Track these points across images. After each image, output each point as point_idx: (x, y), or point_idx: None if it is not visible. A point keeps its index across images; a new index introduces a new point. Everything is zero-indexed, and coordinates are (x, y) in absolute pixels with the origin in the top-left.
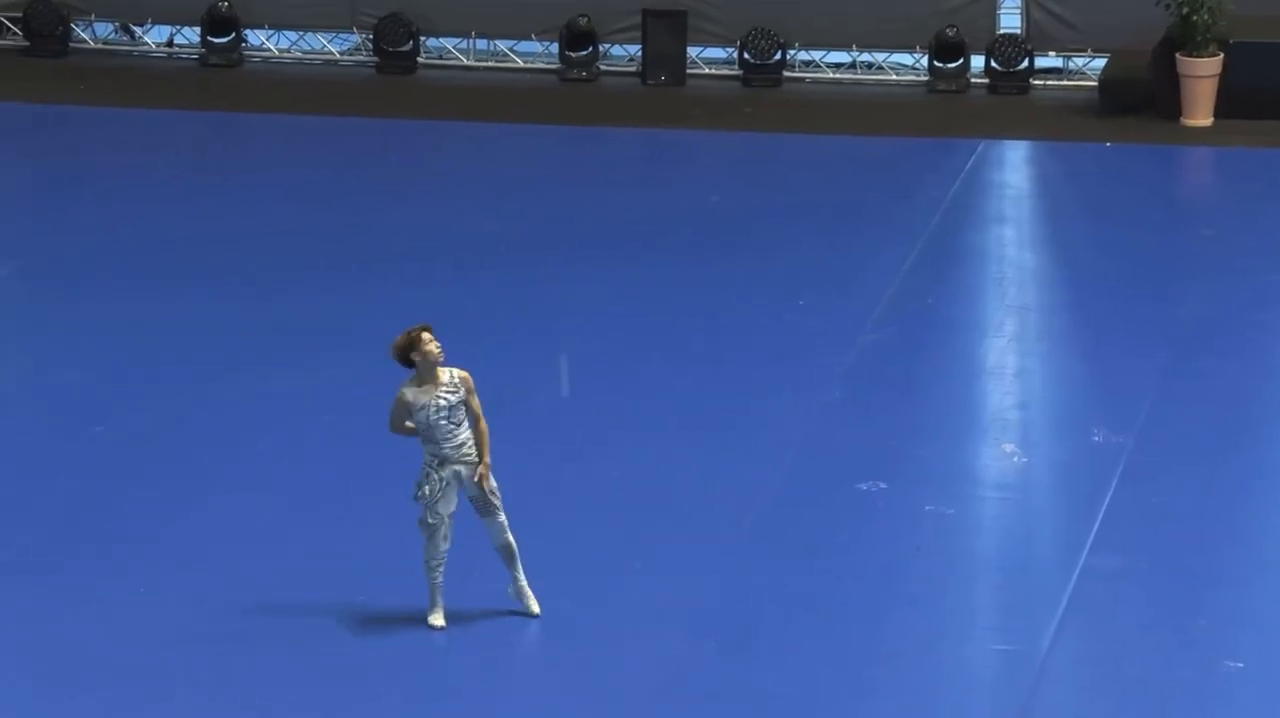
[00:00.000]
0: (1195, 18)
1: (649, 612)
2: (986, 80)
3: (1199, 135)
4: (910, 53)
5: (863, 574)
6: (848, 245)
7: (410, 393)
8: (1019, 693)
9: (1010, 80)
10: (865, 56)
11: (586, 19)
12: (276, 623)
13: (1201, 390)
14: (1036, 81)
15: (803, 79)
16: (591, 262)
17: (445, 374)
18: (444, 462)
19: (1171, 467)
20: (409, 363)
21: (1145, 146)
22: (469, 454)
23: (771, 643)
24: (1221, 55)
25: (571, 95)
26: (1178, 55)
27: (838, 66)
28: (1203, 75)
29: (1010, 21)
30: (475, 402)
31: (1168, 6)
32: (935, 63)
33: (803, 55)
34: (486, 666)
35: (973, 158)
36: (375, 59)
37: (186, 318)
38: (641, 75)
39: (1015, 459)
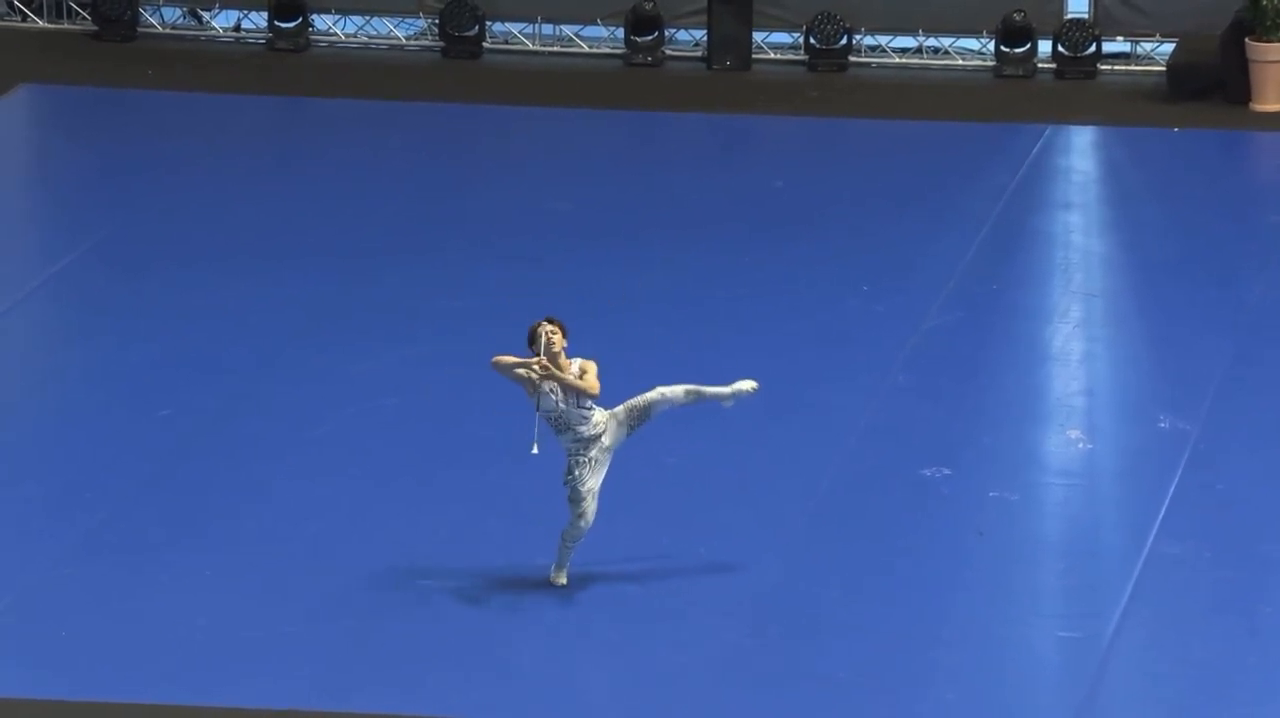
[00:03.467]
0: (1265, 2)
1: (713, 594)
2: (1054, 65)
3: (1268, 120)
4: (977, 37)
5: (926, 559)
6: (913, 230)
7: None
8: (1083, 679)
9: (1077, 65)
10: (931, 41)
11: (652, 3)
12: (346, 601)
13: (1268, 378)
14: (1104, 66)
15: (869, 64)
16: (658, 246)
17: (573, 365)
18: (586, 445)
19: (1237, 454)
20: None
21: (1213, 132)
22: (601, 429)
23: (835, 627)
24: None
25: (637, 80)
26: (1247, 40)
27: (904, 51)
28: (1273, 60)
29: (1078, 6)
30: (588, 376)
31: None
32: (1002, 47)
33: (869, 40)
34: (550, 646)
35: (1039, 143)
36: (441, 44)
37: (255, 302)
38: (707, 60)
39: (1080, 445)
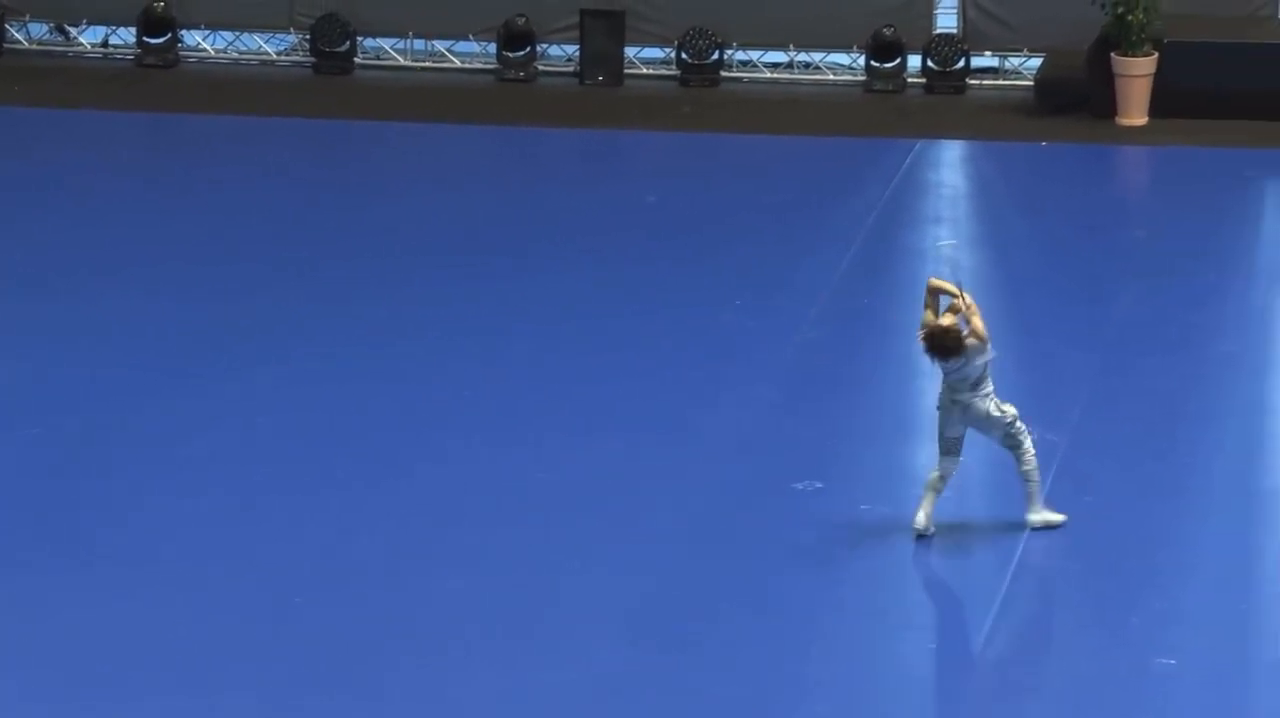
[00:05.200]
0: (1130, 17)
1: (585, 611)
2: (923, 80)
3: (1134, 135)
4: (847, 52)
5: (798, 573)
6: (784, 245)
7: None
8: (954, 693)
9: (947, 80)
10: (803, 56)
11: (524, 19)
12: (213, 619)
13: (1135, 390)
14: (973, 81)
15: (740, 79)
16: (529, 262)
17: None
18: (954, 391)
19: (1105, 465)
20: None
21: (1080, 146)
22: (973, 396)
23: (709, 643)
24: (1156, 55)
25: (509, 95)
26: (1112, 55)
27: (775, 66)
28: (1137, 75)
29: (947, 21)
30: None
31: (1103, 6)
32: (872, 62)
33: (740, 55)
34: (422, 665)
35: (909, 157)
36: (312, 59)
37: (126, 320)
38: (579, 75)
39: None
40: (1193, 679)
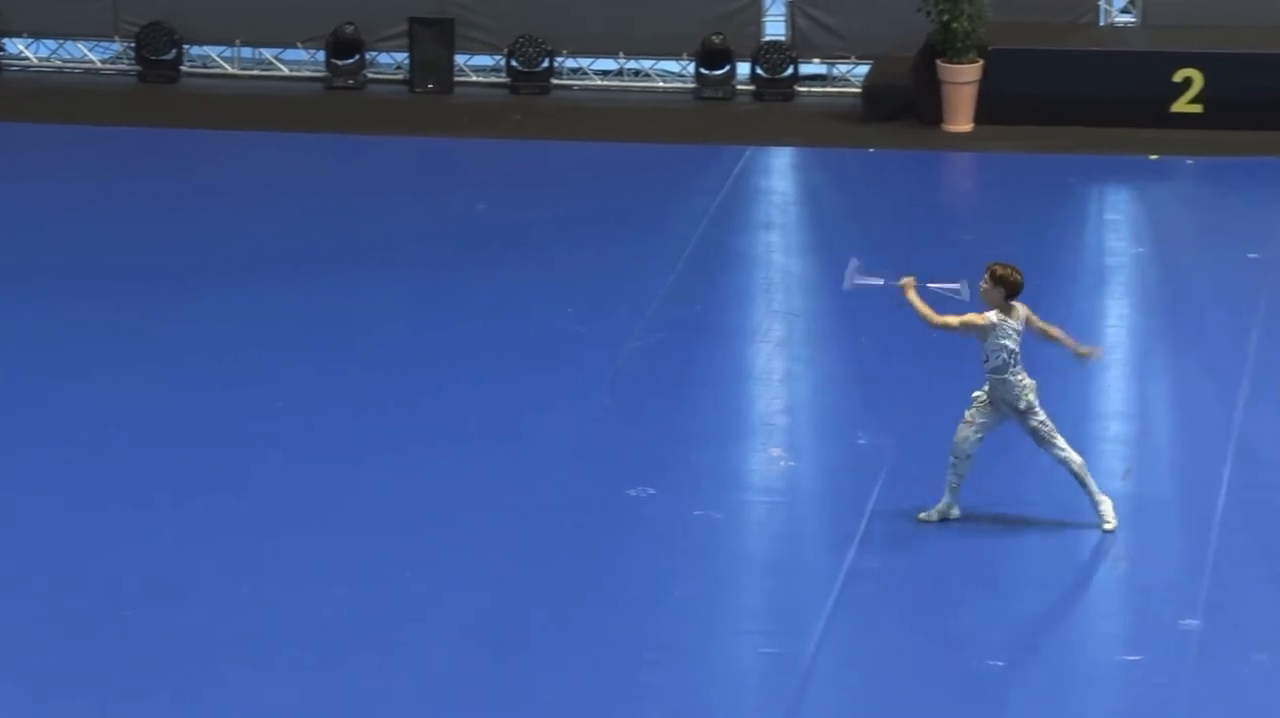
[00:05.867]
0: (955, 25)
1: (421, 618)
2: (752, 87)
3: (960, 141)
4: (677, 60)
5: (632, 579)
6: (616, 252)
7: (990, 316)
8: (786, 696)
9: (776, 87)
10: (632, 64)
11: (353, 27)
12: (46, 628)
13: (962, 393)
14: (801, 88)
15: (571, 86)
16: (359, 272)
17: (1020, 309)
18: (993, 388)
19: (935, 468)
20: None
21: (908, 152)
22: (1013, 393)
23: (542, 649)
24: (981, 61)
25: (338, 103)
26: (938, 62)
27: (605, 74)
28: (963, 81)
29: (775, 29)
30: (1040, 323)
31: (929, 14)
32: (701, 70)
33: (570, 63)
34: (252, 675)
35: (739, 164)
36: (138, 68)
37: None
38: (409, 83)
39: (782, 463)
40: (1020, 680)
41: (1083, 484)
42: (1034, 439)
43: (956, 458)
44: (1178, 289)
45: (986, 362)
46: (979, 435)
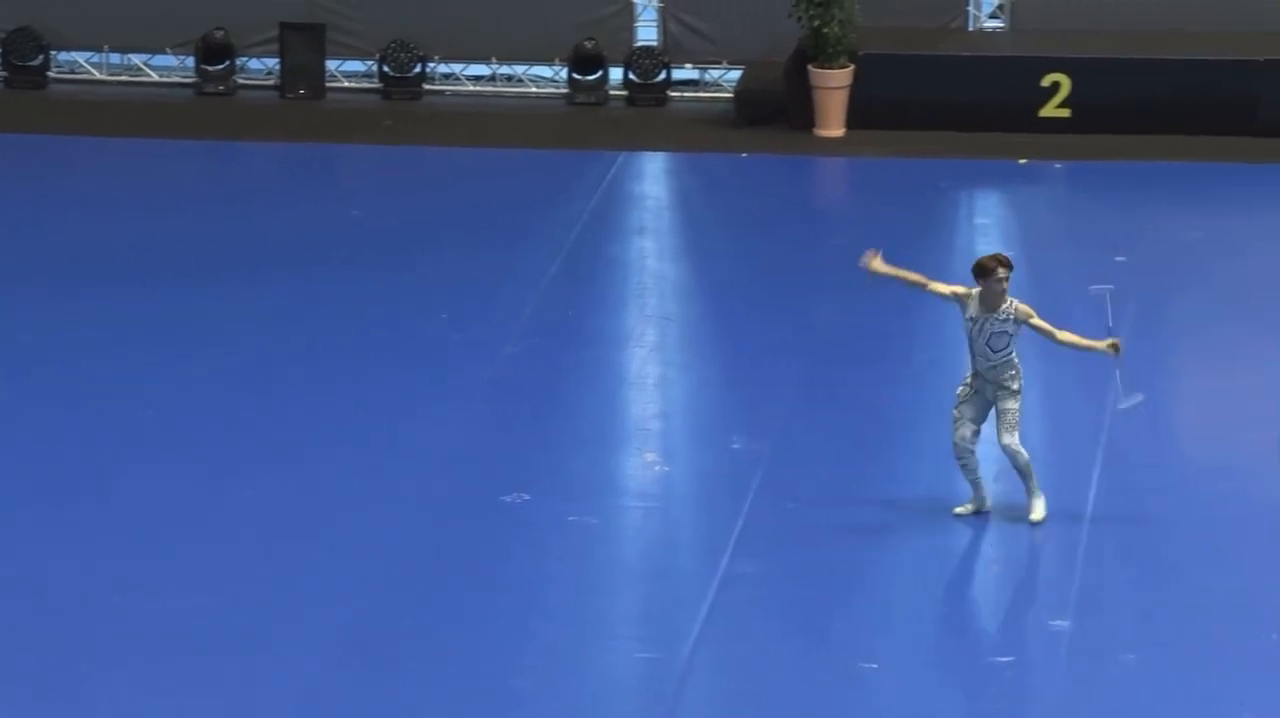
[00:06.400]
0: (826, 30)
1: (294, 627)
2: (625, 92)
3: (831, 146)
4: (549, 65)
5: (507, 586)
6: (489, 258)
7: (973, 299)
8: (661, 701)
9: (648, 92)
10: (505, 69)
11: (223, 32)
12: None
13: (836, 398)
14: (674, 93)
15: (443, 92)
16: (231, 278)
17: (1006, 303)
18: (977, 375)
19: (809, 472)
20: (981, 277)
21: (780, 157)
22: (1002, 380)
23: (417, 656)
24: (852, 67)
25: (209, 109)
26: (810, 67)
27: (478, 79)
28: (834, 87)
29: (647, 34)
30: (1047, 326)
31: (800, 19)
32: (574, 75)
33: (443, 68)
34: (124, 681)
35: (612, 169)
36: (4, 74)
37: None
38: (280, 89)
39: (657, 468)
40: (894, 682)
41: (1027, 478)
42: (1002, 422)
43: (961, 458)
44: (1047, 292)
45: (1003, 348)
46: (973, 429)
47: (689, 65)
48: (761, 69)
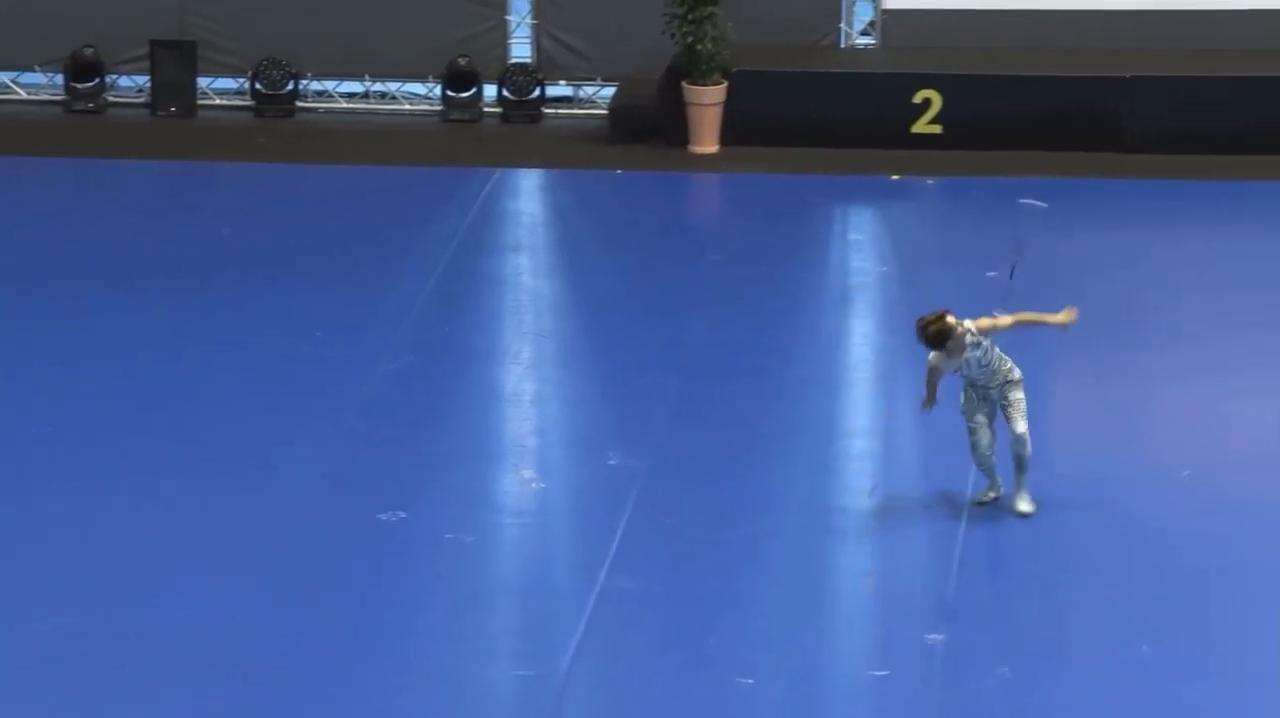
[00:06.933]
0: (700, 47)
1: (168, 647)
2: (499, 109)
3: (705, 162)
4: (423, 82)
5: (384, 604)
6: (365, 275)
7: (940, 360)
8: (540, 717)
9: (523, 109)
10: (378, 86)
11: (92, 49)
12: None
13: (712, 413)
14: (548, 110)
15: (316, 109)
16: (104, 296)
17: (965, 336)
18: (973, 383)
19: (685, 488)
20: (939, 347)
21: (654, 174)
22: (996, 380)
23: (294, 677)
24: (725, 83)
25: (78, 127)
26: (684, 84)
27: (351, 96)
28: (708, 103)
29: (521, 51)
30: (1003, 322)
31: (673, 36)
32: (448, 92)
33: (315, 85)
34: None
35: (488, 186)
36: None
37: None
38: (151, 106)
39: (533, 485)
40: (771, 697)
41: (1024, 471)
42: (1016, 410)
43: (984, 463)
44: (920, 307)
45: (991, 360)
46: (990, 433)
47: (563, 82)
48: (635, 86)
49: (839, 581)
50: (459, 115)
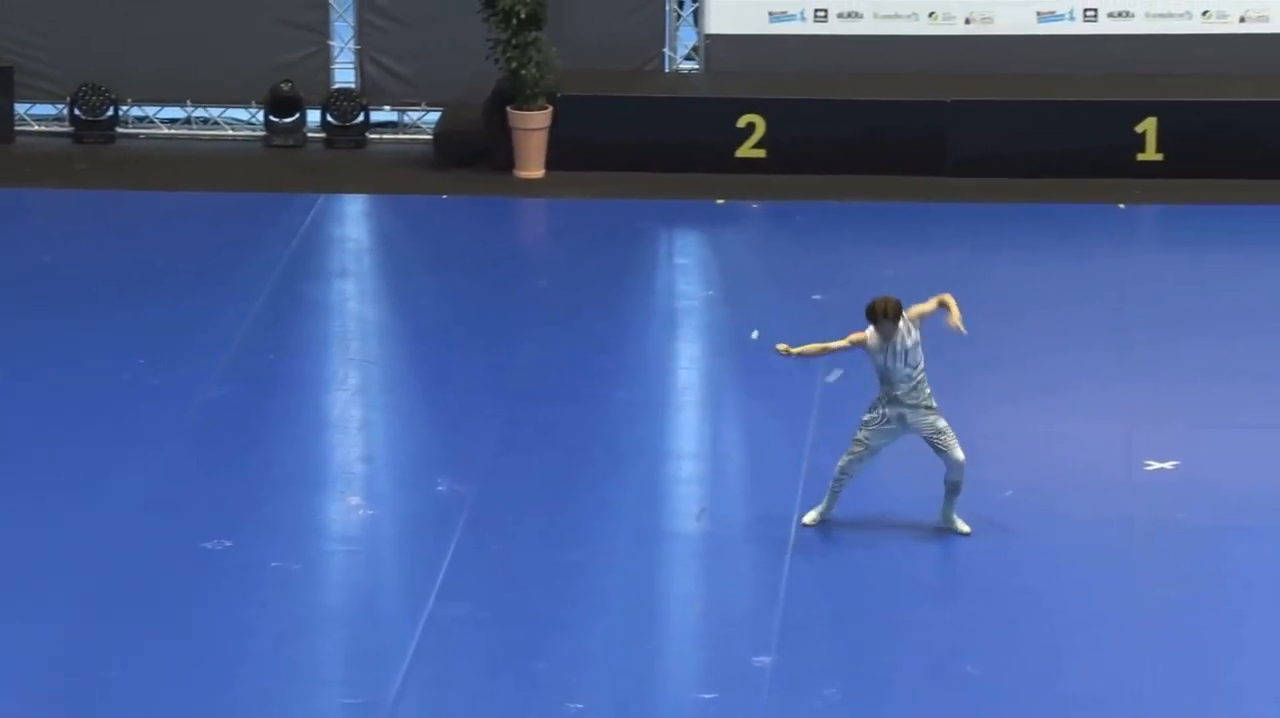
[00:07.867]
0: (524, 71)
1: None
2: (324, 135)
3: (532, 187)
4: (246, 108)
5: (209, 634)
6: (188, 302)
7: (871, 338)
8: None
9: (347, 134)
10: (200, 112)
11: None
12: None
13: (539, 438)
14: (373, 135)
15: (137, 135)
16: None
17: (902, 323)
18: (893, 402)
19: (513, 513)
20: (872, 320)
21: (481, 199)
22: (920, 402)
23: (117, 709)
24: (550, 108)
25: None
26: (509, 108)
27: (173, 122)
28: (533, 128)
29: (345, 76)
30: (928, 306)
31: (497, 61)
32: (271, 117)
33: (136, 111)
34: None
35: (312, 212)
36: None
37: None
38: None
39: (361, 512)
40: None
41: (957, 494)
42: (948, 438)
43: (842, 482)
44: (747, 330)
45: (919, 360)
46: (870, 461)
47: (388, 107)
48: (461, 110)
49: (667, 604)
50: (282, 141)
